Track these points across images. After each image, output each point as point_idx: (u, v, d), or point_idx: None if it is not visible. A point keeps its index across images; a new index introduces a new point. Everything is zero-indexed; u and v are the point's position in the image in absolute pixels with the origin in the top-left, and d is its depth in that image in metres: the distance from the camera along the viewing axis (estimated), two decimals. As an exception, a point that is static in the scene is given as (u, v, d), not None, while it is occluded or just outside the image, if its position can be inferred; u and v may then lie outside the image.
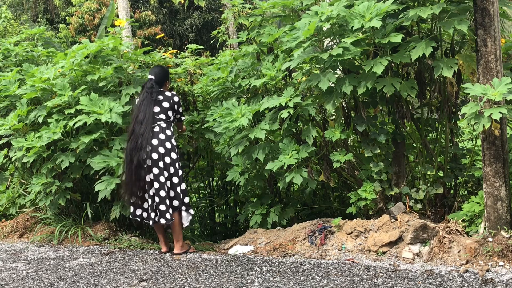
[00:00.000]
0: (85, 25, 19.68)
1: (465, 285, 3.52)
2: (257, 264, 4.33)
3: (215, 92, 5.86)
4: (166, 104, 4.82)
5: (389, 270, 3.94)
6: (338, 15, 4.36)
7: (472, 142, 5.29)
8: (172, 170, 4.74)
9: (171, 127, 4.89)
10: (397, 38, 4.18)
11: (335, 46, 4.67)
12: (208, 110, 5.74)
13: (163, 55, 6.39)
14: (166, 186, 4.69)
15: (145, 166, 4.68)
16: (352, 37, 4.30)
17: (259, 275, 4.02)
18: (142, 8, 21.38)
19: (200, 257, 4.65)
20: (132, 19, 11.37)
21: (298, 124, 5.20)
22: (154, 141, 4.70)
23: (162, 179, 4.68)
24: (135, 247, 5.10)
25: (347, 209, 4.81)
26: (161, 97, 4.82)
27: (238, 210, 6.62)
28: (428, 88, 4.75)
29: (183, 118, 5.11)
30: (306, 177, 4.76)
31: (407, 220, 4.37)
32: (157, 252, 4.89)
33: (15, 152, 5.62)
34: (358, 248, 4.38)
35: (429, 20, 4.52)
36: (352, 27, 4.29)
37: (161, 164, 4.68)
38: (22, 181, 6.21)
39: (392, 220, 4.44)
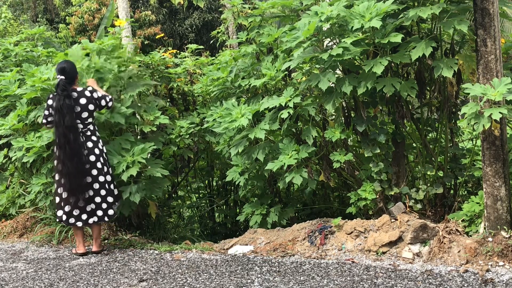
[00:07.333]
0: (85, 25, 19.66)
1: (465, 285, 3.53)
2: (257, 264, 4.33)
3: (215, 92, 5.86)
4: (91, 107, 4.83)
5: (389, 270, 3.94)
6: (338, 15, 4.36)
7: (472, 142, 5.29)
8: (105, 169, 4.93)
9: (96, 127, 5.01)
10: (397, 38, 4.18)
11: (335, 46, 4.67)
12: (208, 111, 5.74)
13: (163, 55, 6.39)
14: (105, 185, 4.89)
15: (84, 170, 4.78)
16: (352, 37, 4.30)
17: (259, 275, 4.02)
18: (142, 8, 21.36)
19: (200, 257, 4.65)
20: (132, 19, 11.36)
21: (298, 124, 5.20)
22: (89, 144, 4.82)
23: (101, 178, 4.86)
24: (135, 247, 5.10)
25: (347, 209, 4.81)
26: (84, 101, 4.78)
27: (238, 210, 6.62)
28: (428, 88, 4.75)
29: (110, 103, 4.96)
30: (306, 177, 4.76)
31: (407, 220, 4.37)
32: (157, 252, 4.89)
33: (15, 152, 5.62)
34: (358, 248, 4.38)
35: (429, 20, 4.51)
36: (352, 27, 4.29)
37: (99, 164, 4.85)
38: (22, 181, 6.20)
39: (392, 220, 4.44)
